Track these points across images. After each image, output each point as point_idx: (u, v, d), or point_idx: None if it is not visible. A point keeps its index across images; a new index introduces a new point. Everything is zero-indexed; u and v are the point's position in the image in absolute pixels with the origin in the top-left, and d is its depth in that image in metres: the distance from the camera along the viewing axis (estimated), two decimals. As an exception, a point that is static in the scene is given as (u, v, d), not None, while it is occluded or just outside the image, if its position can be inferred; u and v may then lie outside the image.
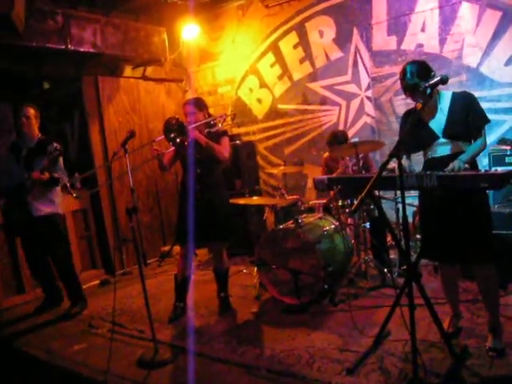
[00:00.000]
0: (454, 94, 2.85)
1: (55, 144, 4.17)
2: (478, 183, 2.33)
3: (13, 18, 3.58)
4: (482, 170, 2.42)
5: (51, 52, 4.86)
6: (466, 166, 2.60)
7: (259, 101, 6.45)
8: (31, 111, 4.26)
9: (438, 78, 2.60)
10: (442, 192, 2.52)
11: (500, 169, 3.63)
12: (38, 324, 4.22)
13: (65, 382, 3.20)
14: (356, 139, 4.00)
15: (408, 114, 3.02)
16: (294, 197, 5.00)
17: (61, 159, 4.28)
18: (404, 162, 2.93)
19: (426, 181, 2.45)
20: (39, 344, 3.77)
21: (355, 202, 3.63)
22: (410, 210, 4.75)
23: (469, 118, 2.74)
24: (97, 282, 5.36)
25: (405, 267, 3.04)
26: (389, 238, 4.61)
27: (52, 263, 4.46)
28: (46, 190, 4.25)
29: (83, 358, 3.42)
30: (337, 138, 4.52)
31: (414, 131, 2.85)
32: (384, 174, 2.55)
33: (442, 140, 2.81)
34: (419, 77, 2.74)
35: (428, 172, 2.54)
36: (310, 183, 6.09)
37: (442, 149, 2.82)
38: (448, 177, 2.44)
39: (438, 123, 2.83)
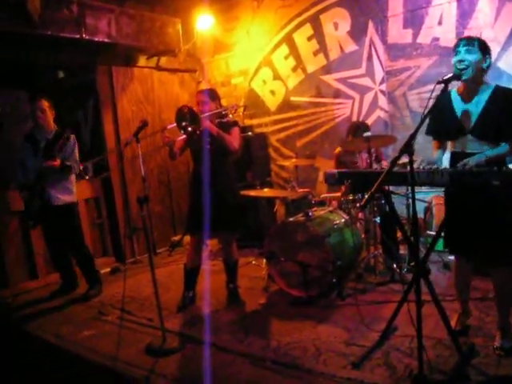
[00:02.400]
0: (496, 89, 2.65)
1: (70, 134, 4.25)
2: (489, 180, 2.29)
3: (28, 7, 3.60)
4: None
5: (66, 41, 4.87)
6: (481, 162, 2.50)
7: (272, 93, 6.43)
8: (45, 104, 4.34)
9: (451, 75, 2.55)
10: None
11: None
12: (50, 309, 4.30)
13: (73, 367, 3.24)
14: (369, 133, 3.97)
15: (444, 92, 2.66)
16: (305, 190, 4.99)
17: (76, 149, 4.38)
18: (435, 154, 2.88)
19: (437, 177, 2.43)
20: (49, 328, 3.84)
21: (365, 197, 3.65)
22: (420, 206, 4.74)
23: (505, 119, 2.57)
24: (108, 269, 5.41)
25: (413, 263, 3.05)
26: (399, 234, 4.60)
27: (70, 250, 4.60)
28: (62, 179, 4.35)
29: (92, 343, 3.48)
30: (361, 129, 4.51)
31: (443, 117, 2.77)
32: (395, 169, 2.54)
33: (470, 137, 2.68)
34: (480, 49, 2.58)
35: (439, 168, 2.51)
36: (321, 176, 6.06)
37: (471, 145, 2.68)
38: (459, 173, 2.41)
39: (469, 117, 2.68)
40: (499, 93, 2.62)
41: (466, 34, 4.90)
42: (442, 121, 2.78)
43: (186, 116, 3.59)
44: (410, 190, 3.17)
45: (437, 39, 5.10)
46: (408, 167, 2.35)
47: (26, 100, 5.68)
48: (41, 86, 5.77)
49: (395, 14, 5.31)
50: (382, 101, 5.54)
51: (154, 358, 3.12)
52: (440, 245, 4.42)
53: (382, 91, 5.54)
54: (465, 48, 2.57)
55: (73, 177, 4.49)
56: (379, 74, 5.52)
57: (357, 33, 5.62)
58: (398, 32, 5.33)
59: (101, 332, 3.68)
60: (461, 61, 2.56)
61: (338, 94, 5.88)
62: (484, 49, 2.60)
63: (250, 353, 3.06)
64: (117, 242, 5.83)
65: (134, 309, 4.09)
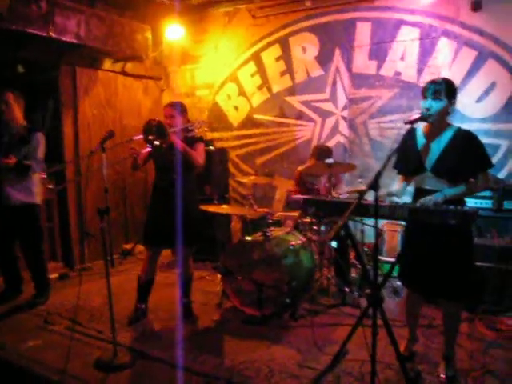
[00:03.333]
0: (457, 131, 2.80)
1: (39, 133, 4.11)
2: (446, 219, 2.43)
3: (-2, 2, 3.49)
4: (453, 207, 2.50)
5: (31, 37, 4.73)
6: (439, 200, 2.64)
7: (236, 108, 6.49)
8: (11, 96, 4.17)
9: (418, 116, 2.69)
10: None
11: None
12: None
13: (17, 380, 3.12)
14: (331, 160, 4.10)
15: (410, 131, 2.92)
16: (264, 210, 5.05)
17: (39, 148, 4.21)
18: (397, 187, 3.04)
19: (398, 212, 2.54)
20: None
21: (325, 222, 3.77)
22: (372, 231, 4.90)
23: (463, 160, 2.70)
24: (55, 275, 5.24)
25: (368, 291, 3.14)
26: (351, 256, 4.74)
27: (25, 252, 4.41)
28: (22, 178, 4.16)
29: (38, 355, 3.34)
30: (324, 153, 4.64)
31: (407, 154, 2.92)
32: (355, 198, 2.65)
33: (429, 174, 2.82)
34: (446, 96, 2.73)
35: (399, 203, 2.64)
36: (278, 195, 6.15)
37: (430, 182, 2.83)
38: (418, 210, 2.54)
39: (431, 155, 2.83)
40: (460, 135, 2.78)
41: (426, 71, 5.18)
42: (405, 157, 2.93)
43: (153, 129, 3.56)
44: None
45: (399, 73, 5.34)
46: (368, 197, 2.46)
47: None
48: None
49: (361, 45, 5.51)
50: (343, 126, 5.72)
51: (105, 373, 3.05)
52: (388, 269, 4.62)
53: (343, 117, 5.71)
54: (432, 96, 2.73)
55: (36, 176, 4.28)
56: (342, 100, 5.70)
57: (324, 58, 5.79)
58: (363, 62, 5.53)
59: (47, 343, 3.55)
60: (428, 108, 2.72)
61: (300, 115, 6.01)
62: (450, 94, 2.75)
63: (204, 371, 3.05)
64: (66, 247, 5.66)
65: (82, 319, 3.97)
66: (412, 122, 2.66)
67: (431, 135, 2.85)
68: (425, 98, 2.75)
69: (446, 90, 2.73)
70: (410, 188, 3.02)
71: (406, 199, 3.00)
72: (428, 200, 2.65)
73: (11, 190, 4.15)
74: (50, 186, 4.31)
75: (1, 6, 3.72)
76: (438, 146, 2.81)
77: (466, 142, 2.75)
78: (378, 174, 2.28)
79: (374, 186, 2.27)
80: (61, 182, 5.39)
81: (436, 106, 2.71)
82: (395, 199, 2.88)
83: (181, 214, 3.73)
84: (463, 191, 2.75)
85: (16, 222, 4.24)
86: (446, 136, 2.80)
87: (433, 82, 2.77)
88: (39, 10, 4.59)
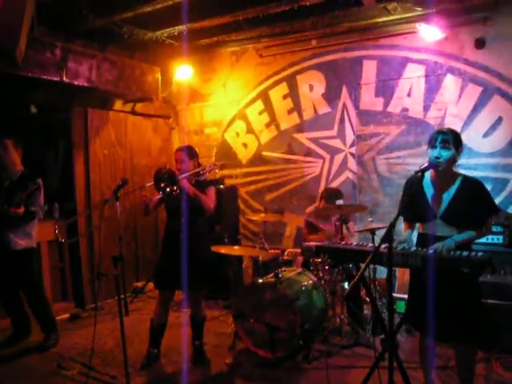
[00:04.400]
0: (464, 180, 2.87)
1: (38, 180, 4.18)
2: (459, 267, 2.44)
3: (15, 54, 3.61)
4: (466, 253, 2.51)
5: (44, 81, 4.86)
6: (452, 247, 2.67)
7: (245, 145, 6.57)
8: (8, 142, 4.26)
9: (428, 164, 2.73)
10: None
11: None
12: (4, 358, 4.11)
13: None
14: (341, 201, 4.14)
15: (414, 179, 2.94)
16: (276, 251, 5.07)
17: (41, 194, 4.29)
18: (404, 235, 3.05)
19: (411, 260, 2.56)
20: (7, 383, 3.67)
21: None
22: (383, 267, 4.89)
23: (472, 208, 2.77)
24: (66, 315, 5.25)
25: (382, 336, 3.14)
26: (362, 293, 4.72)
27: (24, 295, 4.42)
28: (23, 224, 4.23)
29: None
30: (334, 195, 4.69)
31: (415, 201, 2.95)
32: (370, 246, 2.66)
33: (439, 221, 2.87)
34: (453, 145, 2.79)
35: (413, 251, 2.65)
36: (288, 231, 6.18)
37: (440, 229, 2.86)
38: (431, 258, 2.55)
39: (439, 203, 2.87)
40: (467, 183, 2.85)
41: (433, 107, 5.25)
42: (413, 204, 2.96)
43: (164, 177, 3.63)
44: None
45: (406, 110, 5.41)
46: (382, 245, 2.47)
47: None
48: (10, 119, 5.67)
49: (368, 83, 5.60)
50: (351, 163, 5.76)
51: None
52: (401, 307, 4.58)
53: (351, 153, 5.76)
54: (441, 145, 2.78)
55: (35, 221, 4.36)
56: (350, 137, 5.76)
57: (331, 96, 5.88)
58: (369, 99, 5.61)
59: (61, 389, 3.56)
60: (437, 157, 2.76)
61: (309, 152, 6.07)
62: (458, 143, 2.82)
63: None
64: (77, 287, 5.68)
65: (95, 363, 3.95)
66: (423, 171, 2.73)
67: (441, 184, 2.90)
68: (433, 147, 2.79)
69: (453, 139, 2.79)
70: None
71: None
72: (440, 247, 2.66)
73: (13, 236, 4.20)
74: (61, 240, 4.36)
75: (18, 54, 3.83)
76: (447, 195, 2.86)
77: (474, 190, 2.82)
78: (391, 226, 2.30)
79: (388, 238, 2.29)
80: (73, 230, 5.44)
81: (445, 154, 2.76)
82: (406, 246, 2.88)
83: (192, 257, 3.74)
84: (472, 236, 2.81)
85: (14, 265, 4.26)
86: (455, 184, 2.86)
87: (440, 132, 2.83)
88: (53, 57, 4.73)
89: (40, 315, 4.45)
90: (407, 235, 3.04)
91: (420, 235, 3.01)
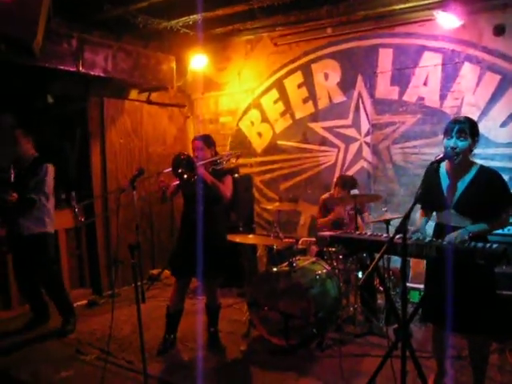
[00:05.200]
0: (480, 169, 2.83)
1: (48, 165, 4.25)
2: (474, 259, 2.44)
3: (33, 45, 3.66)
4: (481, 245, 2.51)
5: (61, 71, 4.91)
6: (465, 238, 2.63)
7: (259, 135, 6.57)
8: (18, 133, 4.34)
9: (443, 155, 2.72)
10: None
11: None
12: (24, 343, 4.22)
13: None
14: (356, 191, 4.13)
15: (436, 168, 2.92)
16: (290, 240, 5.09)
17: (47, 180, 4.31)
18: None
19: (425, 250, 2.56)
20: (25, 367, 3.76)
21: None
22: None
23: (487, 198, 2.74)
24: (84, 301, 5.36)
25: (396, 326, 3.15)
26: (376, 282, 4.74)
27: (40, 281, 4.52)
28: (33, 209, 4.27)
29: (70, 385, 3.44)
30: (349, 183, 4.69)
31: (431, 190, 2.94)
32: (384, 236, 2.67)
33: (452, 211, 2.84)
34: (470, 135, 2.75)
35: (428, 241, 2.65)
36: (302, 220, 6.20)
37: (453, 219, 2.83)
38: (446, 249, 2.55)
39: (453, 193, 2.85)
40: (483, 173, 2.81)
41: (450, 96, 5.18)
42: (429, 193, 2.94)
43: (183, 163, 3.65)
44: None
45: (422, 98, 5.36)
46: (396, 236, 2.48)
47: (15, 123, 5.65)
48: (28, 110, 5.75)
49: (384, 71, 5.56)
50: (366, 152, 5.74)
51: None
52: (415, 296, 4.59)
53: (366, 143, 5.74)
54: (457, 135, 2.74)
55: (49, 206, 4.39)
56: (365, 126, 5.73)
57: (346, 85, 5.84)
58: (385, 88, 5.57)
59: (79, 373, 3.64)
60: (453, 148, 2.73)
61: (323, 141, 6.06)
62: (474, 133, 2.78)
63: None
64: (95, 273, 5.79)
65: (112, 348, 4.02)
66: (439, 162, 2.71)
67: (456, 174, 2.87)
68: (449, 137, 2.76)
69: (469, 128, 2.75)
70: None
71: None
72: (454, 237, 2.65)
73: (24, 221, 4.26)
74: (81, 219, 4.43)
75: (35, 46, 3.87)
76: (461, 185, 2.84)
77: (489, 180, 2.78)
78: (406, 218, 2.30)
79: (403, 229, 2.29)
80: (89, 215, 5.52)
81: (461, 144, 2.73)
82: (420, 236, 2.87)
83: (208, 246, 3.78)
84: (486, 228, 2.77)
85: (29, 251, 4.32)
86: (470, 174, 2.83)
87: (456, 122, 2.78)
88: (70, 48, 4.77)
89: (57, 301, 4.54)
90: (421, 224, 3.03)
91: (436, 225, 3.00)
